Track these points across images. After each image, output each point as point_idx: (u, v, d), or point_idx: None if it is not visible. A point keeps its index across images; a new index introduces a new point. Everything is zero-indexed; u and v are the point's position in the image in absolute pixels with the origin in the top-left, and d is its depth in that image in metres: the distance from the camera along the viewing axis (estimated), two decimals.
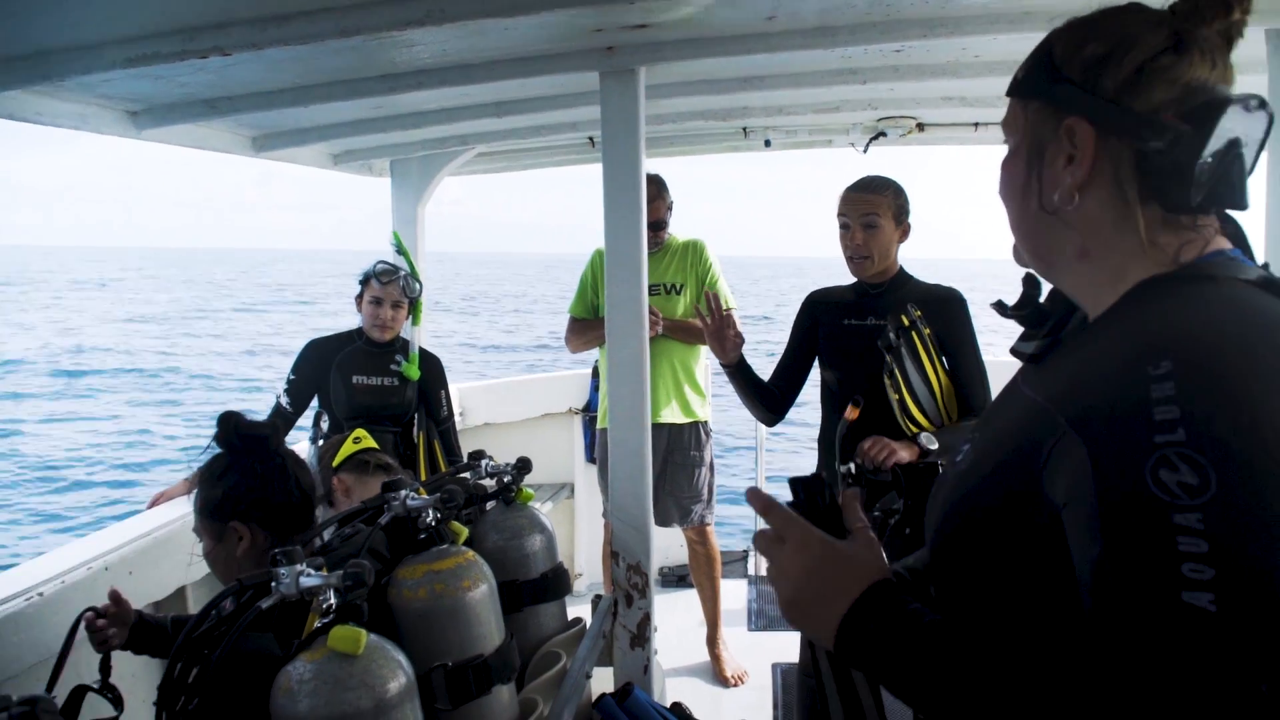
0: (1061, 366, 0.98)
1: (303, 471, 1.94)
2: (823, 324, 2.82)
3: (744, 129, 3.85)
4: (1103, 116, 0.94)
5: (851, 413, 2.59)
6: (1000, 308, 1.17)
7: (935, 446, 2.48)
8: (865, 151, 3.97)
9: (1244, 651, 0.71)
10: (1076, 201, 0.97)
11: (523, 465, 2.18)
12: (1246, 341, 0.81)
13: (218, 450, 1.87)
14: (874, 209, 2.66)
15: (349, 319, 3.59)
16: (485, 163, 4.21)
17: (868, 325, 2.71)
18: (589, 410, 5.06)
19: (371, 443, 2.47)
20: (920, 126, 3.78)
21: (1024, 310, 1.13)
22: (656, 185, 3.68)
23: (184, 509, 2.82)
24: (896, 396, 2.57)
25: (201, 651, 1.38)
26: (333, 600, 1.39)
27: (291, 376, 3.41)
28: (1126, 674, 0.76)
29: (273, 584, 1.38)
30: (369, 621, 1.39)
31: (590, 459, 5.03)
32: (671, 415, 3.79)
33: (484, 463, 2.19)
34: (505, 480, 2.14)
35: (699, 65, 2.64)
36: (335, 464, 2.43)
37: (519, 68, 2.39)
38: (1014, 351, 1.11)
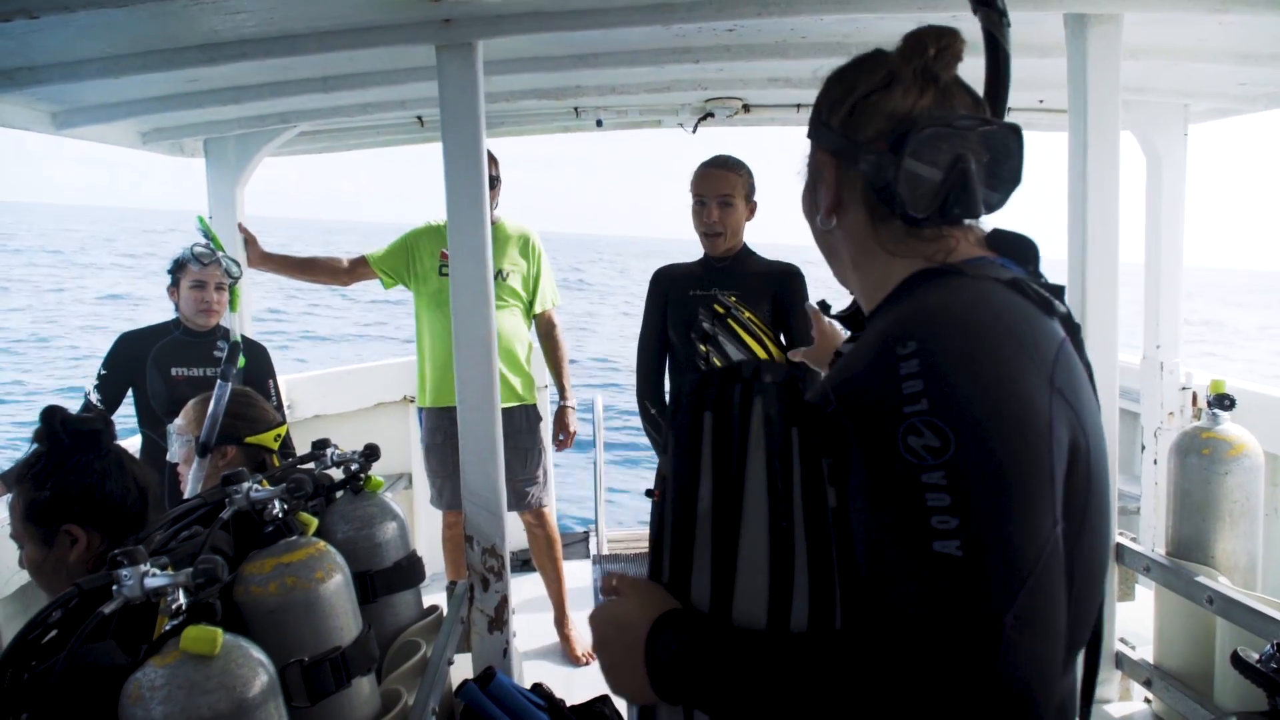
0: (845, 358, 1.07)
1: (138, 467, 1.80)
2: (671, 296, 2.91)
3: (575, 109, 3.84)
4: (833, 149, 1.09)
5: (656, 494, 2.73)
6: (823, 307, 1.34)
7: None
8: (694, 132, 4.04)
9: (990, 589, 0.81)
10: (834, 222, 1.12)
11: (370, 453, 2.10)
12: (979, 322, 0.92)
13: (41, 449, 1.71)
14: (730, 187, 2.80)
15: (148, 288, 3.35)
16: (308, 142, 4.03)
17: (712, 295, 2.84)
18: None
19: (275, 445, 2.30)
20: (746, 108, 3.88)
21: (845, 313, 1.27)
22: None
23: None
24: None
25: (30, 665, 1.27)
26: (182, 600, 1.31)
27: (103, 372, 3.18)
28: (893, 620, 0.84)
29: (114, 587, 1.28)
30: (220, 622, 1.31)
31: None
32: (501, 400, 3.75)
33: (329, 452, 2.11)
34: (353, 469, 2.07)
35: (535, 41, 2.62)
36: (247, 439, 2.24)
37: (350, 39, 2.30)
38: (836, 353, 1.25)
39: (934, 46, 1.06)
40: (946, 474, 0.83)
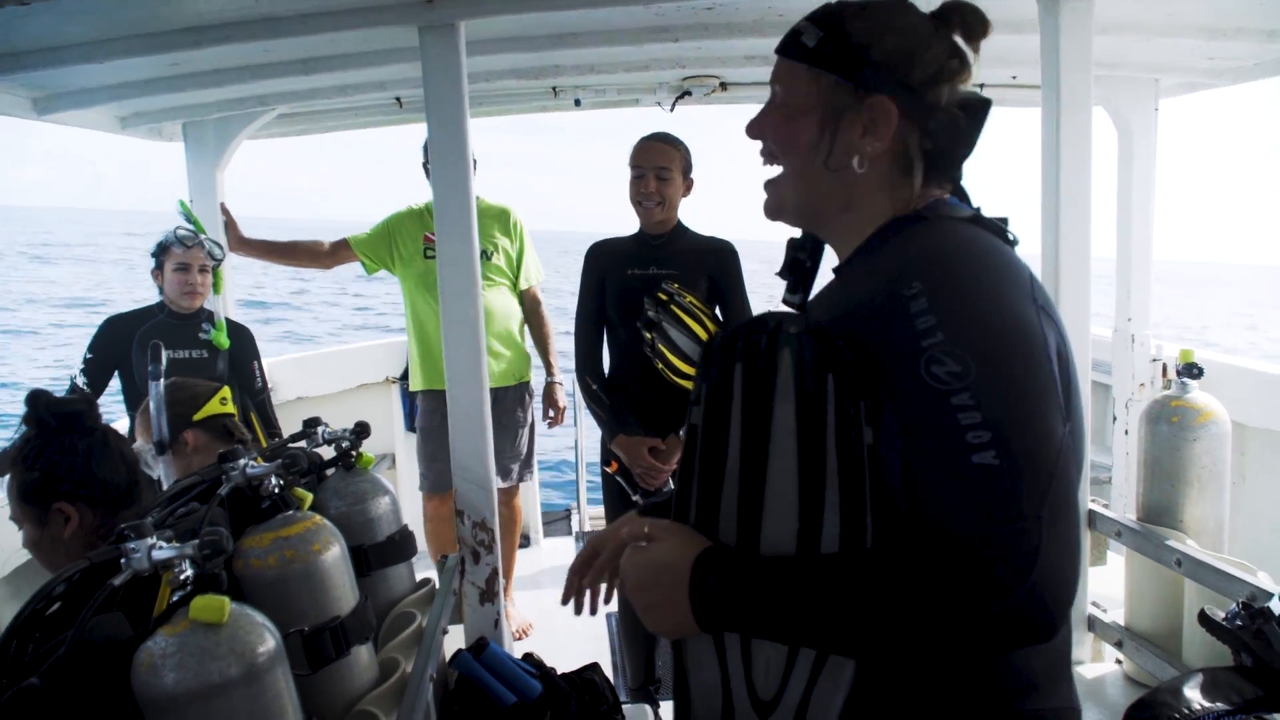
0: (831, 301, 1.17)
1: (125, 445, 1.85)
2: (609, 274, 2.99)
3: (554, 88, 3.86)
4: (907, 102, 1.14)
5: (612, 466, 2.93)
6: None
7: None
8: (672, 110, 4.08)
9: (1026, 489, 0.92)
10: (865, 167, 1.16)
11: (361, 430, 2.14)
12: (969, 258, 1.04)
13: (28, 432, 1.76)
14: (668, 160, 2.90)
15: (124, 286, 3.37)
16: (286, 124, 4.02)
17: (650, 274, 2.94)
18: (406, 378, 4.98)
19: (233, 407, 2.33)
20: (724, 86, 3.91)
21: (784, 268, 1.35)
22: None
23: None
24: (660, 365, 2.81)
25: (34, 636, 1.31)
26: (189, 572, 1.34)
27: (89, 355, 3.20)
28: (939, 530, 0.94)
29: (123, 560, 1.31)
30: (226, 592, 1.35)
31: (410, 428, 4.94)
32: (494, 379, 3.79)
33: (320, 430, 2.14)
34: (344, 446, 2.10)
35: (515, 21, 2.64)
36: (196, 417, 2.28)
37: (333, 21, 2.30)
38: (785, 303, 1.32)
39: (982, 35, 1.17)
40: (974, 394, 0.94)
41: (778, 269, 1.36)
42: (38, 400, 1.77)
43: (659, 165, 2.91)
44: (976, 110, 1.17)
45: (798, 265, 1.33)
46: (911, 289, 0.99)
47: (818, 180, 1.18)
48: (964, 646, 0.94)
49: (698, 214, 3.17)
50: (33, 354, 19.79)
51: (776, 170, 1.23)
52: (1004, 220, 1.15)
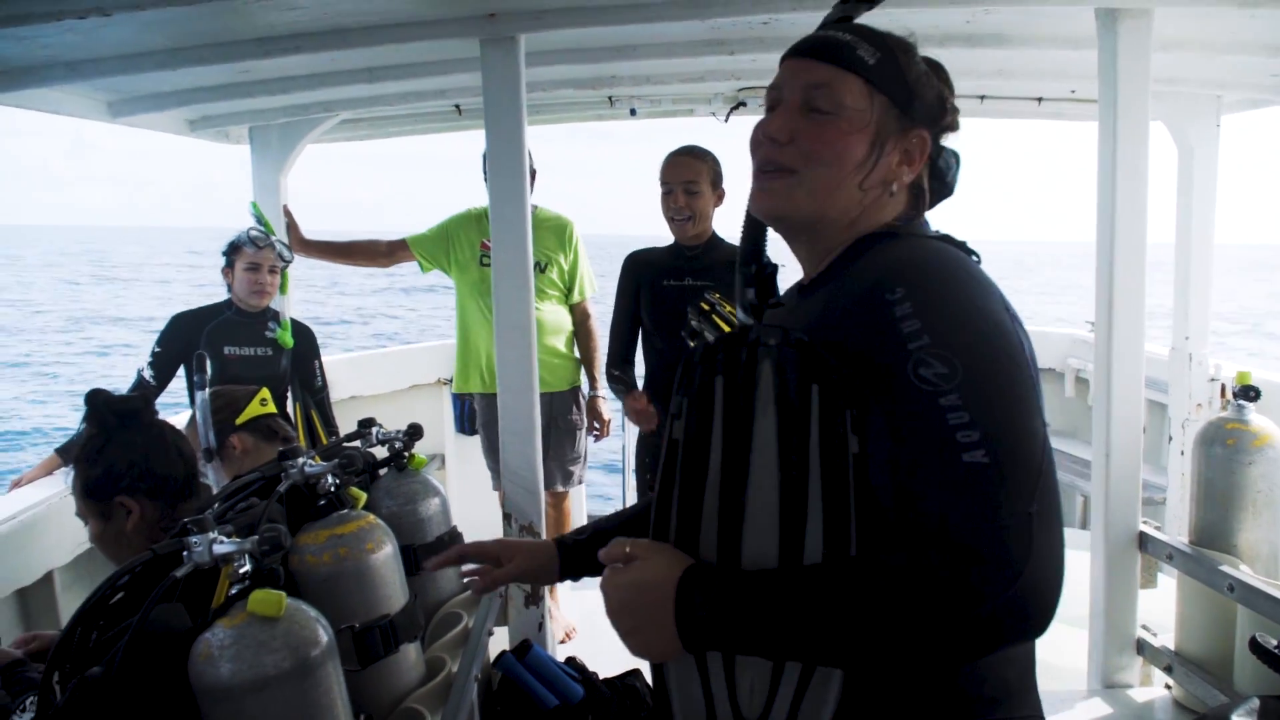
0: (801, 312, 1.20)
1: (182, 440, 1.92)
2: (644, 284, 3.03)
3: (610, 98, 3.90)
4: (937, 139, 1.23)
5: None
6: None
7: None
8: (726, 120, 4.10)
9: (1016, 486, 0.94)
10: (896, 193, 1.21)
11: (414, 431, 2.19)
12: (946, 267, 1.07)
13: (89, 430, 1.83)
14: (695, 174, 2.94)
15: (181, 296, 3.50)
16: (349, 130, 4.12)
17: (685, 285, 2.99)
18: None
19: (273, 407, 2.42)
20: None
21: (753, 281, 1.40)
22: None
23: (46, 492, 2.72)
24: None
25: (98, 624, 1.36)
26: (248, 566, 1.39)
27: (157, 349, 3.32)
28: (931, 530, 0.95)
29: (185, 553, 1.37)
30: (282, 587, 1.39)
31: (460, 429, 5.01)
32: (549, 384, 3.83)
33: (374, 430, 2.19)
34: (397, 447, 2.15)
35: (573, 34, 2.68)
36: (239, 421, 2.36)
37: (398, 33, 2.38)
38: (757, 307, 1.38)
39: (953, 95, 1.26)
40: (961, 395, 0.96)
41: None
42: (97, 399, 1.83)
43: (686, 180, 2.95)
44: (957, 160, 1.27)
45: (767, 278, 1.37)
46: (895, 294, 1.02)
47: (845, 196, 1.17)
48: (957, 646, 0.94)
49: (735, 216, 3.21)
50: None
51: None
52: (964, 243, 1.19)
